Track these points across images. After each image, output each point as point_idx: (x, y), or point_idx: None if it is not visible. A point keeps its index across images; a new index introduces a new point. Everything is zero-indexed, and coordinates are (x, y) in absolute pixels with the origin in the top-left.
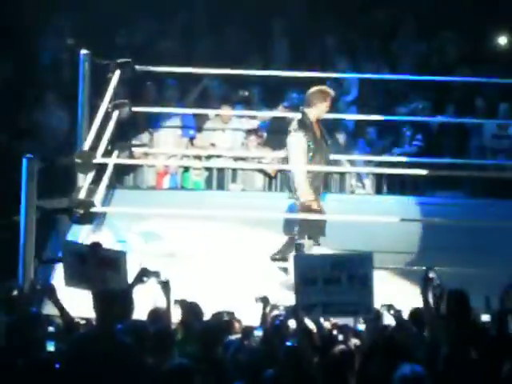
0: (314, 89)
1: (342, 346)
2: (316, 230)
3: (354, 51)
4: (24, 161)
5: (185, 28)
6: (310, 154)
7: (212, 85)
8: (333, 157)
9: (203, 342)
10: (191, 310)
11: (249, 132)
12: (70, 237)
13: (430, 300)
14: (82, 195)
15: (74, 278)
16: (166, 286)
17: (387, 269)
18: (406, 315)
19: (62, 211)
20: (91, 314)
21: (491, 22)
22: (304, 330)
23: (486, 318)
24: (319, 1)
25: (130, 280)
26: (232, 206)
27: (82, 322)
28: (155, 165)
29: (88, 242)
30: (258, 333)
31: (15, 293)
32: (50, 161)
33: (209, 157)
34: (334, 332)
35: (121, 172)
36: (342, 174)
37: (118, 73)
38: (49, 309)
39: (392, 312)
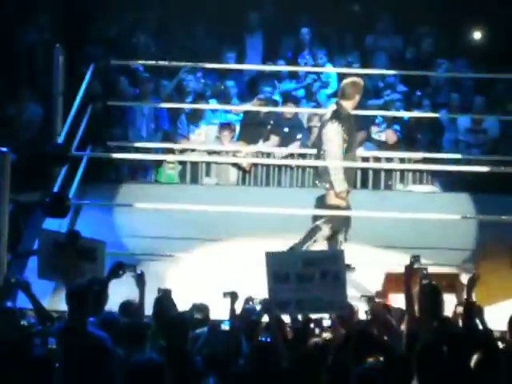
0: (349, 80)
1: (315, 339)
2: (343, 223)
3: (328, 45)
4: None
5: (159, 22)
6: (345, 145)
7: (187, 79)
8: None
9: (168, 334)
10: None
11: (222, 126)
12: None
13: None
14: (55, 188)
15: (49, 269)
16: (140, 279)
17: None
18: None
19: (35, 204)
20: (64, 307)
21: (466, 17)
22: (277, 326)
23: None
24: None
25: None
26: (209, 199)
27: (56, 315)
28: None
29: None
30: (226, 326)
31: None
32: (24, 154)
33: (183, 151)
34: (311, 325)
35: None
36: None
37: (92, 66)
38: (23, 303)
39: (371, 304)
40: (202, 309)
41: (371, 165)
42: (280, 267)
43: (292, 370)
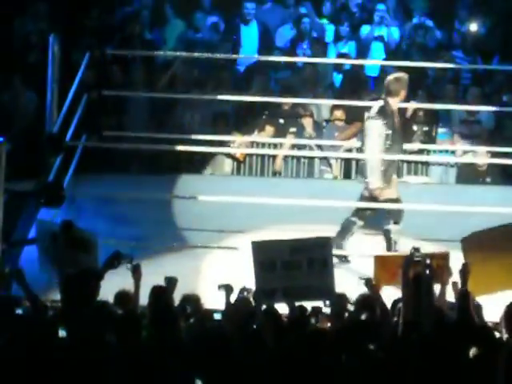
0: (392, 77)
1: (313, 327)
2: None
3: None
4: None
5: (154, 12)
6: (388, 142)
7: (182, 70)
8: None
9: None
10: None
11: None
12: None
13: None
14: (50, 178)
15: (49, 260)
16: (136, 270)
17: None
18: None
19: (30, 194)
20: (58, 296)
21: (463, 8)
22: (265, 314)
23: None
24: None
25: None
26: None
27: (49, 304)
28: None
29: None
30: (217, 316)
31: None
32: (19, 143)
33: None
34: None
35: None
36: (311, 159)
37: (87, 56)
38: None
39: (369, 286)
40: (192, 299)
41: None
42: (267, 256)
43: (281, 359)
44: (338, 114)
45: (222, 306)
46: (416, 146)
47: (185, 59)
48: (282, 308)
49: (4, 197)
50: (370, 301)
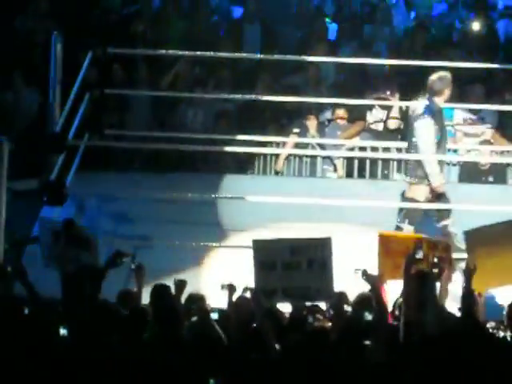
0: (435, 76)
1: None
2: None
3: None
4: None
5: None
6: (436, 141)
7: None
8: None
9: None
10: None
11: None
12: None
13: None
14: (52, 176)
15: (51, 258)
16: (139, 269)
17: None
18: None
19: (32, 192)
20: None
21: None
22: (265, 313)
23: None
24: None
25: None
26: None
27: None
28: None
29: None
30: (215, 315)
31: None
32: (21, 142)
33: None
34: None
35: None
36: (313, 158)
37: (90, 54)
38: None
39: (365, 277)
40: (197, 298)
41: (369, 154)
42: (267, 255)
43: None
44: (341, 112)
45: (224, 306)
46: None
47: (187, 58)
48: (282, 308)
49: (7, 196)
50: (369, 300)
